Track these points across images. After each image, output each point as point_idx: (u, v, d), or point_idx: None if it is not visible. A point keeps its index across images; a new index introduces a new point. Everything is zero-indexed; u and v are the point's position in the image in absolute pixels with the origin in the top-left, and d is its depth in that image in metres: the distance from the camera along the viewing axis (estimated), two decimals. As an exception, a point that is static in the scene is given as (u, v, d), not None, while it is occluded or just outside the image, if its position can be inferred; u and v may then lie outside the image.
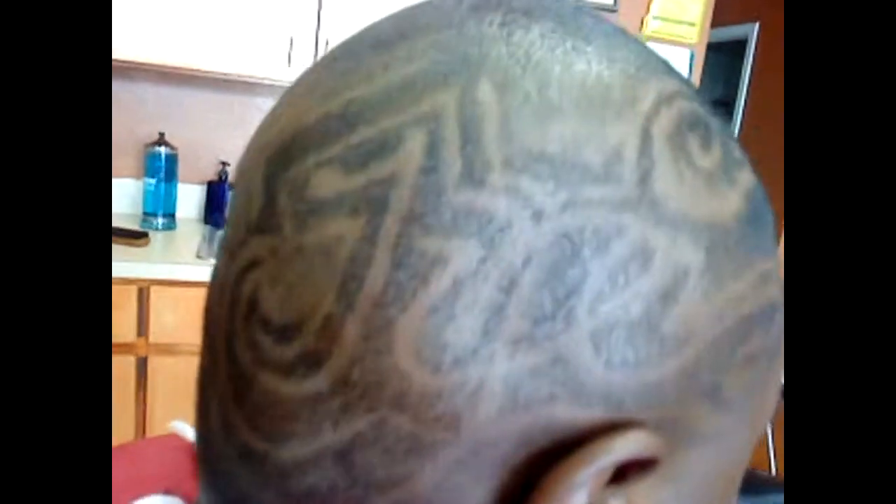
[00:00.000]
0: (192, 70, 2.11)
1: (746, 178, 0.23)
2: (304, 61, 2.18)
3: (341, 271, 0.20)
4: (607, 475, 0.20)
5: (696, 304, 0.21)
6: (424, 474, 0.20)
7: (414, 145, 0.20)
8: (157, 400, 1.94)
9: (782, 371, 0.26)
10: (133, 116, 2.35)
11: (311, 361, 0.20)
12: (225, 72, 2.13)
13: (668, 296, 0.20)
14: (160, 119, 2.37)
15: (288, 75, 2.19)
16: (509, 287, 0.19)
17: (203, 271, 1.94)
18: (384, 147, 0.20)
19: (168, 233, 2.25)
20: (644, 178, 0.20)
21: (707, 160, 0.22)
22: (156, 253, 1.99)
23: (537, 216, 0.19)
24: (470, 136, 0.20)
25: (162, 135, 2.28)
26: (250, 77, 2.17)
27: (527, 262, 0.19)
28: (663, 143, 0.21)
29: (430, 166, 0.19)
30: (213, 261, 1.98)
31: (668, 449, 0.22)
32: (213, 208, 2.42)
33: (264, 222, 0.21)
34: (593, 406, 0.20)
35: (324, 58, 0.24)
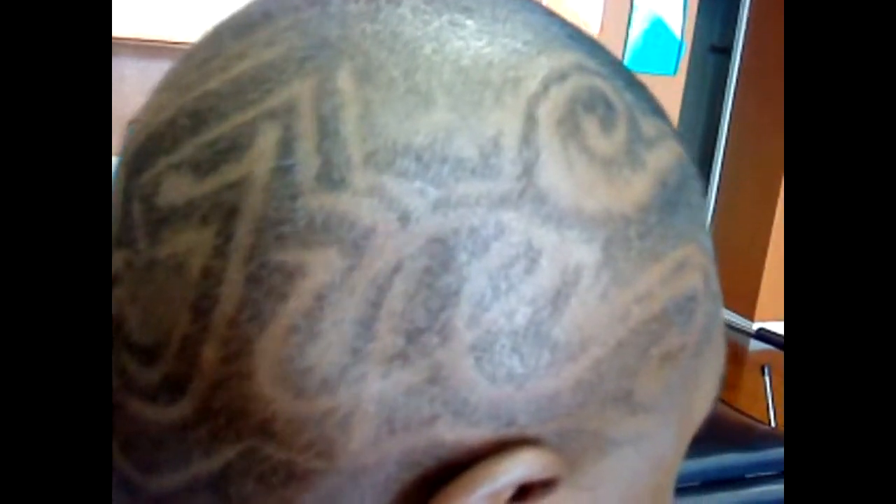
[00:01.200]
0: (174, 43, 2.07)
1: (660, 156, 0.21)
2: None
3: (194, 288, 0.18)
4: (506, 495, 0.19)
5: (593, 307, 0.19)
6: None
7: (266, 143, 0.18)
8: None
9: (719, 358, 0.25)
10: (113, 93, 2.30)
11: (174, 386, 0.19)
12: (188, 42, 2.09)
13: (558, 300, 0.19)
14: (141, 95, 2.31)
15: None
16: (378, 299, 0.18)
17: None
18: (235, 146, 0.18)
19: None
20: (527, 170, 0.18)
21: (606, 144, 0.20)
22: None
23: (405, 219, 0.17)
24: (327, 130, 0.18)
25: (138, 105, 2.24)
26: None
27: (396, 270, 0.17)
28: (551, 129, 0.19)
29: (284, 166, 0.18)
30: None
31: (574, 462, 0.20)
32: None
33: (121, 234, 0.20)
34: (481, 425, 0.18)
35: (193, 44, 0.22)
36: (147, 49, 2.31)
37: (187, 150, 0.19)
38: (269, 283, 0.17)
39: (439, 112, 0.18)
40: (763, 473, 1.99)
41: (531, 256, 0.18)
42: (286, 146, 0.18)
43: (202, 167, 0.18)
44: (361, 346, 0.18)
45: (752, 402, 2.63)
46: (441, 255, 0.18)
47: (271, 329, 0.18)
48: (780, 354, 2.20)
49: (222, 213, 0.18)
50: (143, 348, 0.19)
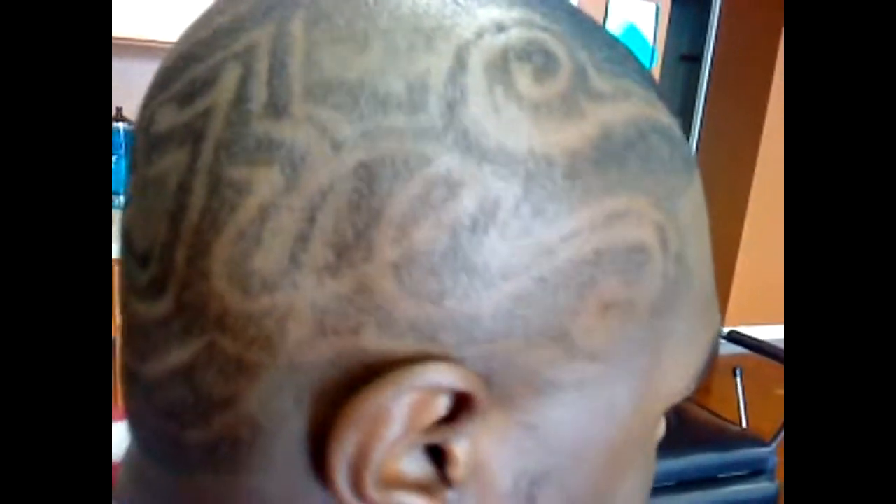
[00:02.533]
0: (149, 42, 2.05)
1: (609, 111, 0.22)
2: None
3: (171, 200, 0.21)
4: (429, 411, 0.21)
5: (513, 239, 0.20)
6: (251, 395, 0.21)
7: (229, 79, 0.21)
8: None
9: (697, 338, 0.25)
10: (113, 92, 2.28)
11: (157, 286, 0.21)
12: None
13: (476, 228, 0.20)
14: (117, 94, 2.29)
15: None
16: (312, 216, 0.20)
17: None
18: (206, 83, 0.21)
19: (117, 210, 2.19)
20: (451, 108, 0.20)
21: (538, 91, 0.21)
22: (116, 232, 1.95)
23: (336, 146, 0.19)
24: (277, 68, 0.20)
25: (119, 110, 2.21)
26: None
27: (328, 191, 0.19)
28: (478, 72, 0.20)
29: (240, 97, 0.20)
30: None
31: (511, 396, 0.22)
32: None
33: (132, 161, 0.24)
34: (403, 337, 0.20)
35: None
36: (121, 47, 2.27)
37: (175, 87, 0.22)
38: (223, 195, 0.20)
39: (373, 54, 0.20)
40: (735, 473, 2.02)
41: (451, 186, 0.19)
42: (243, 81, 0.20)
43: (183, 100, 0.21)
44: (297, 255, 0.20)
45: (723, 404, 2.67)
46: (367, 179, 0.19)
47: (224, 235, 0.20)
48: (751, 357, 2.24)
49: (193, 136, 0.21)
50: (139, 254, 0.22)
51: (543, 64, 0.21)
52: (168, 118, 0.22)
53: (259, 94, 0.20)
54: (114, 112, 2.20)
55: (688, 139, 4.88)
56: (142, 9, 2.00)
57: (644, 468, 0.26)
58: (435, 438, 0.21)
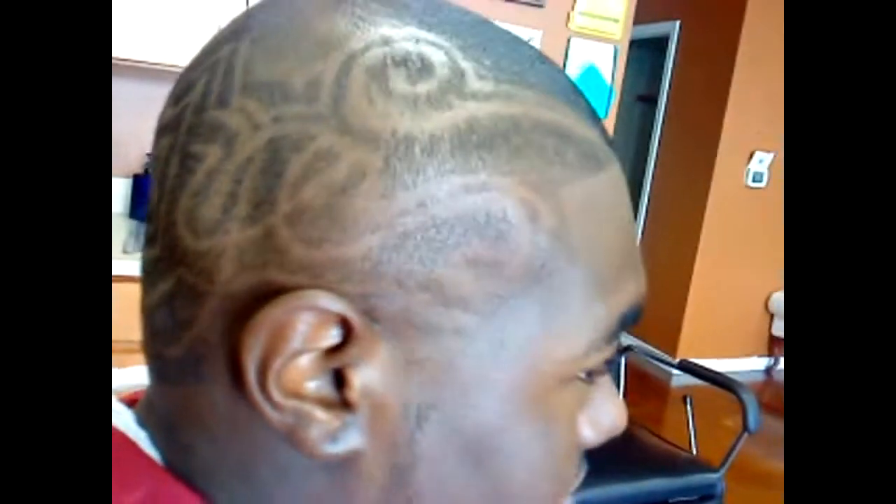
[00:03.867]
0: (117, 59, 2.06)
1: (481, 108, 0.27)
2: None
3: (160, 171, 0.29)
4: (318, 331, 0.26)
5: (376, 199, 0.25)
6: (203, 317, 0.27)
7: (200, 83, 0.28)
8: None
9: (597, 312, 0.29)
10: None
11: (152, 236, 0.29)
12: (151, 61, 2.09)
13: (346, 189, 0.25)
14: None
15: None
16: (240, 178, 0.26)
17: (130, 266, 1.90)
18: (188, 87, 0.29)
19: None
20: (336, 100, 0.26)
21: (409, 89, 0.26)
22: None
23: (255, 128, 0.26)
24: (227, 74, 0.28)
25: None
26: (177, 67, 2.14)
27: (250, 161, 0.26)
28: (360, 74, 0.26)
29: (204, 95, 0.28)
30: (139, 255, 1.93)
31: (396, 332, 0.26)
32: (140, 202, 2.37)
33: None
34: (296, 274, 0.26)
35: None
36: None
37: (174, 92, 0.30)
38: (187, 164, 0.27)
39: (287, 61, 0.27)
40: (685, 498, 2.06)
41: (330, 157, 0.25)
42: (207, 84, 0.28)
43: (175, 100, 0.29)
44: (229, 208, 0.26)
45: (675, 432, 2.75)
46: (274, 152, 0.26)
47: (185, 193, 0.27)
48: (701, 387, 2.30)
49: (175, 125, 0.29)
50: (147, 215, 0.30)
51: (418, 69, 0.26)
52: (166, 114, 0.30)
53: (215, 92, 0.28)
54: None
55: (643, 174, 4.98)
56: (113, 26, 2.01)
57: (544, 429, 0.29)
58: (333, 363, 0.27)
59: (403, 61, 0.26)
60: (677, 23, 4.73)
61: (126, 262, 1.90)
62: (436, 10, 0.29)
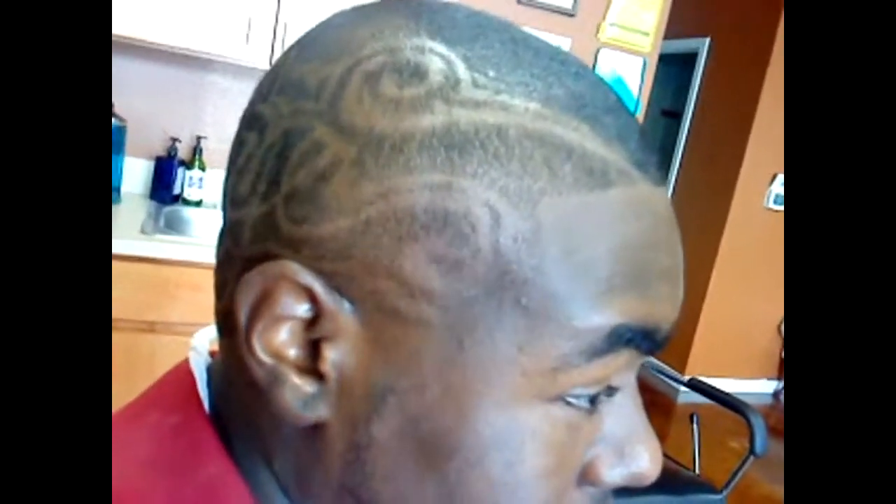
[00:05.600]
0: (147, 42, 2.08)
1: (464, 114, 0.28)
2: (262, 42, 2.17)
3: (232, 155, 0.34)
4: (291, 298, 0.29)
5: (346, 187, 0.28)
6: (231, 279, 0.32)
7: (260, 84, 0.33)
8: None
9: (590, 321, 0.28)
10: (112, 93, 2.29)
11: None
12: (181, 46, 2.11)
13: (326, 176, 0.28)
14: (140, 96, 2.32)
15: (245, 55, 2.17)
16: (264, 162, 0.30)
17: (146, 247, 1.91)
18: (258, 88, 0.34)
19: (113, 206, 2.20)
20: (334, 99, 0.29)
21: (397, 92, 0.28)
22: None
23: (279, 118, 0.30)
24: (274, 74, 0.32)
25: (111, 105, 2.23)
26: (206, 53, 2.15)
27: (272, 146, 0.30)
28: (358, 78, 0.29)
29: (258, 91, 0.33)
30: (157, 237, 1.96)
31: (369, 314, 0.29)
32: (161, 184, 2.38)
33: None
34: (285, 248, 0.29)
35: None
36: (118, 45, 2.28)
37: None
38: (237, 147, 0.32)
39: (309, 64, 0.30)
40: (685, 517, 2.06)
41: (320, 147, 0.28)
42: (262, 83, 0.33)
43: (253, 103, 0.34)
44: (256, 185, 0.30)
45: (679, 449, 2.74)
46: (286, 139, 0.29)
47: (233, 170, 0.32)
48: (707, 406, 2.29)
49: (243, 115, 0.34)
50: None
51: (410, 75, 0.28)
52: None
53: (265, 88, 0.32)
54: (110, 111, 2.21)
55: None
56: (145, 9, 2.03)
57: (509, 445, 0.29)
58: (311, 335, 0.29)
59: (400, 68, 0.29)
60: (707, 39, 4.71)
61: (144, 244, 1.92)
62: (458, 24, 0.30)
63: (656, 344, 0.31)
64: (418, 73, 0.28)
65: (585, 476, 0.31)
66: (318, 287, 0.28)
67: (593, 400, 0.30)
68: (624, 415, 0.32)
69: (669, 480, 2.09)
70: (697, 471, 2.26)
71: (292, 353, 0.30)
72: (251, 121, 0.32)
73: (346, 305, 0.29)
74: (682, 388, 3.64)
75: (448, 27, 0.30)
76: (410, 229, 0.27)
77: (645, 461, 0.31)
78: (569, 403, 0.30)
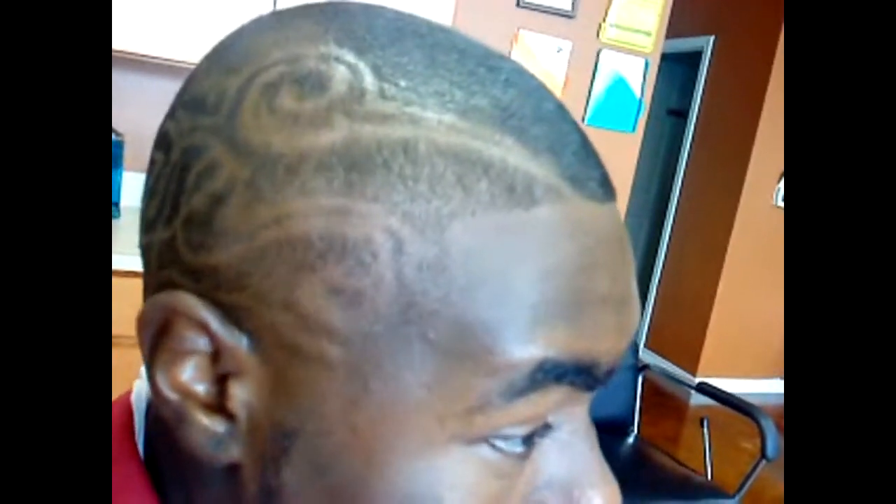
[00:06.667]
0: (142, 56, 2.07)
1: (365, 129, 0.25)
2: (258, 52, 2.16)
3: None
4: (188, 332, 0.27)
5: (238, 212, 0.26)
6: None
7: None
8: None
9: (525, 353, 0.25)
10: (112, 107, 2.29)
11: None
12: (179, 59, 2.10)
13: (220, 200, 0.26)
14: (139, 110, 2.32)
15: (241, 66, 2.16)
16: (168, 183, 0.28)
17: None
18: None
19: (112, 222, 2.20)
20: (232, 113, 0.27)
21: (295, 106, 0.26)
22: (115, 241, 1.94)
23: (180, 136, 0.28)
24: (182, 89, 0.30)
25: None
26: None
27: (174, 167, 0.28)
28: (256, 90, 0.26)
29: (170, 106, 0.30)
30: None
31: (269, 356, 0.26)
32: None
33: None
34: (185, 277, 0.27)
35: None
36: (114, 59, 2.28)
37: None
38: (149, 167, 0.30)
39: (211, 77, 0.28)
40: (697, 522, 2.04)
41: (213, 168, 0.26)
42: (174, 98, 0.31)
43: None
44: (161, 209, 0.28)
45: (690, 453, 2.71)
46: (186, 159, 0.27)
47: (145, 192, 0.30)
48: (720, 409, 2.27)
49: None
50: None
51: (311, 87, 0.26)
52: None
53: (173, 104, 0.30)
54: (109, 126, 2.21)
55: (670, 189, 4.93)
56: (139, 23, 2.03)
57: (429, 496, 0.26)
58: (217, 371, 0.27)
59: (300, 79, 0.26)
60: (712, 38, 4.68)
61: (139, 259, 1.90)
62: (374, 29, 0.28)
63: (595, 379, 0.27)
64: (320, 83, 0.26)
65: None
66: (213, 321, 0.26)
67: (527, 441, 0.27)
68: (571, 455, 0.29)
69: (680, 485, 2.08)
70: (710, 474, 2.24)
71: (200, 389, 0.27)
72: (159, 139, 0.30)
73: (245, 341, 0.26)
74: (693, 391, 3.62)
75: (361, 33, 0.27)
76: (306, 258, 0.25)
77: None
78: (496, 447, 0.26)
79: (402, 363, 0.25)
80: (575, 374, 0.26)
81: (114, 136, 2.22)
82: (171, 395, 0.27)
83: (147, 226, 0.29)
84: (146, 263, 0.30)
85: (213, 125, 0.27)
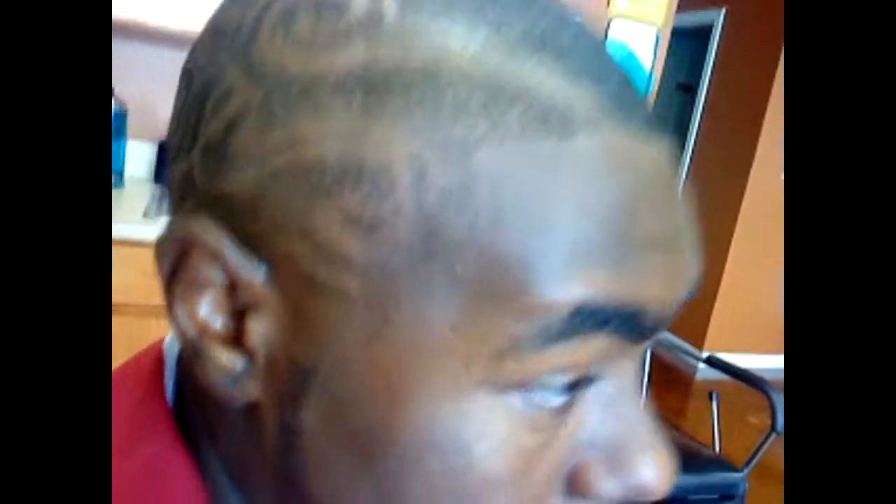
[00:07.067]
0: (147, 25, 2.05)
1: (383, 51, 0.24)
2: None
3: None
4: (203, 261, 0.26)
5: (253, 135, 0.25)
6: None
7: None
8: (100, 361, 1.89)
9: (553, 293, 0.23)
10: (115, 77, 2.26)
11: None
12: (182, 29, 2.07)
13: (234, 124, 0.25)
14: (145, 80, 2.30)
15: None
16: (189, 116, 0.27)
17: (149, 231, 1.89)
18: None
19: (115, 191, 2.18)
20: (249, 39, 0.26)
21: (310, 30, 0.25)
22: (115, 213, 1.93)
23: (201, 68, 0.27)
24: (205, 27, 0.29)
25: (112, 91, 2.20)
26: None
27: (195, 98, 0.27)
28: (273, 16, 0.26)
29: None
30: (162, 221, 1.93)
31: (286, 286, 0.25)
32: (165, 167, 2.34)
33: None
34: (201, 207, 0.26)
35: None
36: (118, 28, 2.25)
37: None
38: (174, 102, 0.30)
39: (233, 10, 0.27)
40: (706, 496, 2.03)
41: (232, 93, 0.26)
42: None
43: None
44: (183, 139, 0.28)
45: (698, 426, 2.70)
46: (204, 90, 0.27)
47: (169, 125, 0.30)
48: (728, 383, 2.26)
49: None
50: None
51: (328, 11, 0.25)
52: None
53: (197, 40, 0.29)
54: (111, 95, 2.19)
55: (679, 164, 4.92)
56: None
57: (453, 444, 0.24)
58: (235, 304, 0.26)
59: (318, 4, 0.25)
60: (723, 11, 4.62)
61: (147, 228, 1.90)
62: None
63: (643, 330, 0.25)
64: (338, 6, 0.25)
65: (574, 487, 0.26)
66: (229, 250, 0.25)
67: (566, 394, 0.25)
68: (618, 414, 0.26)
69: (688, 459, 2.07)
70: (718, 448, 2.23)
71: (217, 324, 0.27)
72: (182, 75, 0.29)
73: (262, 272, 0.25)
74: (701, 364, 3.61)
75: None
76: (321, 183, 0.24)
77: (647, 473, 0.26)
78: (530, 397, 0.24)
79: (425, 299, 0.23)
80: (619, 321, 0.24)
81: (118, 106, 2.20)
82: (190, 330, 0.26)
83: (170, 161, 0.29)
84: (170, 204, 0.29)
85: (230, 53, 0.26)
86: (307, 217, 0.24)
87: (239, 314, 0.27)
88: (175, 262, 0.26)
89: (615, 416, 0.26)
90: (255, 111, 0.25)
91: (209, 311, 0.27)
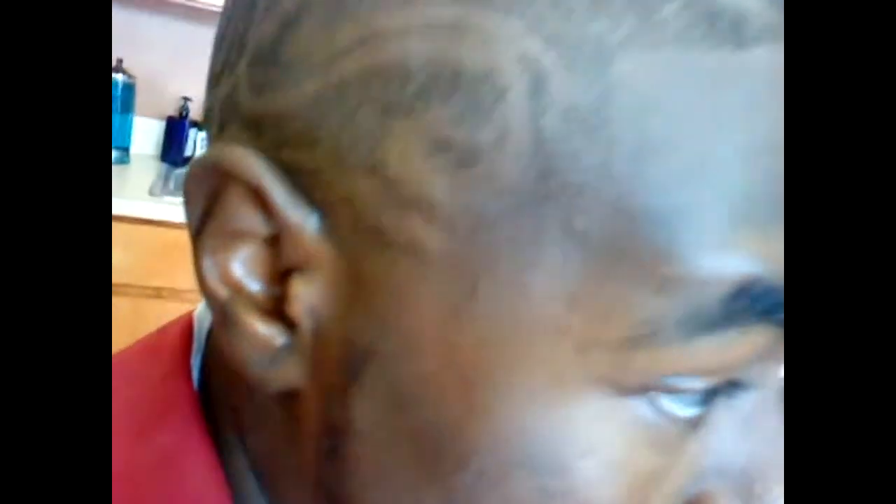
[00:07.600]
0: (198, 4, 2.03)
1: None
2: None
3: None
4: (240, 196, 0.20)
5: (314, 34, 0.19)
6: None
7: None
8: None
9: (641, 288, 0.17)
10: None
11: None
12: (197, 1, 2.03)
13: (291, 23, 0.19)
14: (119, 44, 2.23)
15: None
16: (236, 24, 0.21)
17: (155, 209, 1.86)
18: None
19: (120, 167, 2.14)
20: None
21: None
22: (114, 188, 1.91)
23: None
24: None
25: (120, 61, 2.15)
26: (214, 6, 2.06)
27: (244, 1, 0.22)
28: None
29: None
30: (166, 199, 1.91)
31: (337, 229, 0.20)
32: (172, 146, 2.30)
33: None
34: (245, 132, 0.21)
35: None
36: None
37: None
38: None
39: None
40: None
41: None
42: None
43: None
44: (227, 58, 0.22)
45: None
46: None
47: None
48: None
49: None
50: None
51: None
52: None
53: None
54: (114, 63, 2.14)
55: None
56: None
57: (553, 458, 0.18)
58: (276, 262, 0.21)
59: None
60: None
61: (151, 206, 1.87)
62: None
63: (766, 304, 0.19)
64: None
65: None
66: (274, 189, 0.19)
67: (704, 402, 0.19)
68: (756, 434, 0.20)
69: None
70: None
71: (255, 287, 0.21)
72: None
73: (314, 221, 0.20)
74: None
75: None
76: (401, 96, 0.17)
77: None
78: (660, 404, 0.19)
79: (531, 261, 0.17)
80: (761, 295, 0.18)
81: (125, 78, 2.15)
82: (220, 292, 0.21)
83: (210, 87, 0.23)
84: (208, 133, 0.23)
85: None
86: (378, 143, 0.18)
87: (282, 275, 0.21)
88: (207, 203, 0.21)
89: (752, 439, 0.20)
90: (320, 3, 0.19)
91: (245, 269, 0.21)
